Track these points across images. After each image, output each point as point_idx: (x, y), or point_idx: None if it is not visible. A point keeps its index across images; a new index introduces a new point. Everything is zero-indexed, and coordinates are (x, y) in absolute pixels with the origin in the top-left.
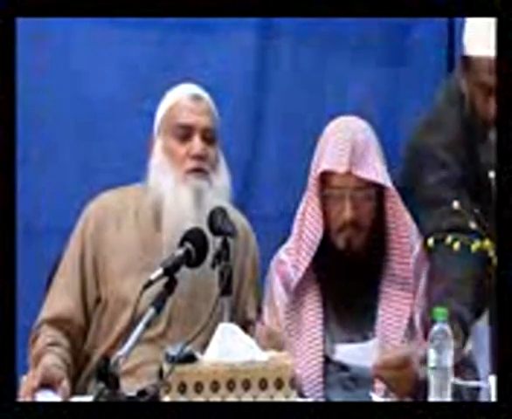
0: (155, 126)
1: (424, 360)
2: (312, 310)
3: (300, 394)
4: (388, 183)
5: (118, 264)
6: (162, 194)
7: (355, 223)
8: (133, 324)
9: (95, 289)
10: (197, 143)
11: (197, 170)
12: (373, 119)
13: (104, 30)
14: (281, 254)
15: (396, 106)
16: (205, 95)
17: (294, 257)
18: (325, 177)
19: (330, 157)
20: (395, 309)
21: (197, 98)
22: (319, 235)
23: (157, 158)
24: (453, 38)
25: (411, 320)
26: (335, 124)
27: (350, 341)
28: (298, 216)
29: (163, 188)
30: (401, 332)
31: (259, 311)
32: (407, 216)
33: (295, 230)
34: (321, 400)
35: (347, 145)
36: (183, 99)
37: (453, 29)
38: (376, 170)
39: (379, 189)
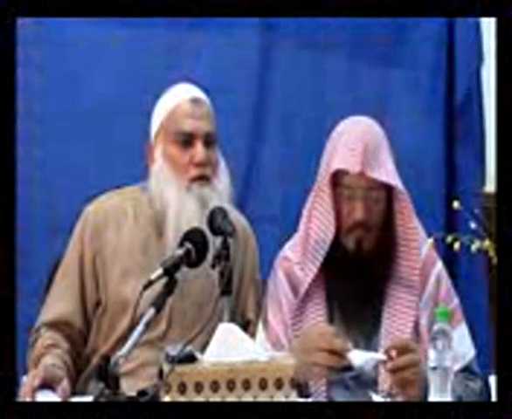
0: (154, 128)
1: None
2: (319, 310)
3: (300, 394)
4: (399, 185)
5: (118, 267)
6: (165, 202)
7: (365, 223)
8: (133, 325)
9: (95, 292)
10: (199, 150)
11: (200, 178)
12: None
13: (103, 30)
14: (286, 251)
15: (394, 107)
16: (204, 96)
17: (299, 255)
18: (336, 177)
19: (342, 157)
20: (400, 312)
21: (196, 101)
22: (330, 235)
23: (158, 164)
24: (452, 38)
25: (417, 324)
26: (345, 123)
27: (355, 343)
28: (305, 213)
29: (167, 195)
30: (406, 335)
31: (259, 309)
32: (415, 219)
33: (301, 227)
34: (323, 399)
35: (359, 145)
36: (182, 104)
37: (452, 29)
38: (388, 172)
39: (389, 190)
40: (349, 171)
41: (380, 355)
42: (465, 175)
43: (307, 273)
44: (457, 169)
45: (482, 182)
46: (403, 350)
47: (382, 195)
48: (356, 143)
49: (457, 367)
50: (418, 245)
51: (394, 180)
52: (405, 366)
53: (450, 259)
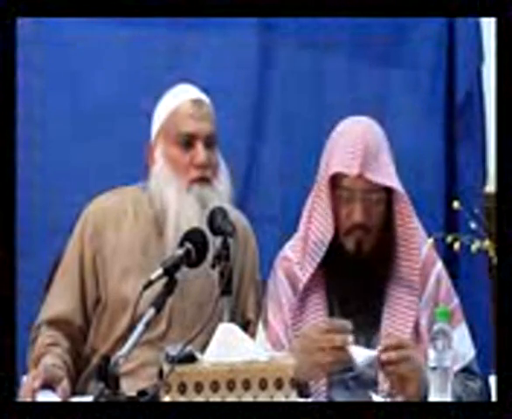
0: (154, 129)
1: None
2: (319, 310)
3: (300, 394)
4: (399, 187)
5: (118, 266)
6: (165, 202)
7: (364, 225)
8: (133, 325)
9: (95, 290)
10: (200, 152)
11: (200, 179)
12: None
13: (103, 30)
14: (286, 251)
15: (393, 108)
16: (204, 97)
17: (299, 255)
18: (335, 178)
19: (341, 159)
20: (400, 312)
21: (197, 102)
22: (329, 236)
23: (158, 165)
24: (452, 38)
25: (417, 324)
26: (345, 123)
27: (355, 343)
28: (304, 213)
29: (166, 196)
30: (406, 335)
31: (259, 309)
32: (415, 220)
33: (301, 227)
34: (323, 399)
35: (358, 147)
36: (183, 105)
37: (452, 29)
38: (387, 173)
39: (389, 192)
40: (347, 174)
41: (377, 353)
42: (465, 175)
43: (305, 273)
44: (457, 169)
45: (483, 181)
46: (397, 347)
47: (382, 196)
48: (355, 144)
49: (457, 367)
50: (417, 245)
51: (393, 182)
52: (398, 360)
53: (450, 259)
